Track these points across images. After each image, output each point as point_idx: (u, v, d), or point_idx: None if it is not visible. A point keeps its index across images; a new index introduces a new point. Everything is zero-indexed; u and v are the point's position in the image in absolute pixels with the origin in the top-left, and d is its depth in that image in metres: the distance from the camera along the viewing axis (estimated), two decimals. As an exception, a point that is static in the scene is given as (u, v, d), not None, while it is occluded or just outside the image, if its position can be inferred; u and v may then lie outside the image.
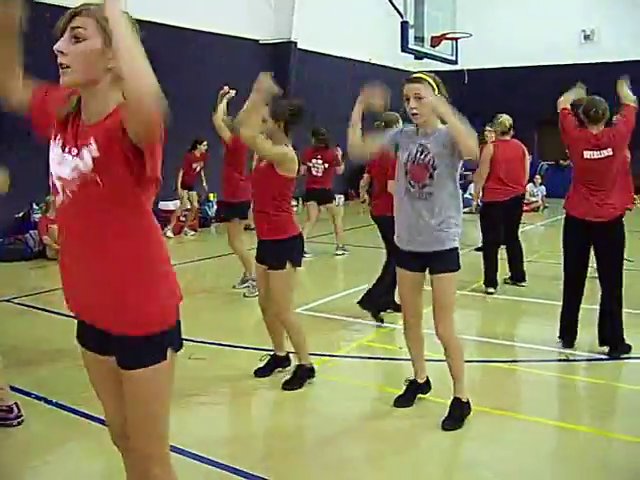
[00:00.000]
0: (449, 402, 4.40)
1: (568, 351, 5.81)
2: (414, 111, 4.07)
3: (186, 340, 5.17)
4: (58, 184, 2.21)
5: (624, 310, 5.78)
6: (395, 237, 4.41)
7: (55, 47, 2.06)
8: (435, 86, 4.09)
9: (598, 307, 5.87)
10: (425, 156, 4.13)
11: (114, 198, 2.13)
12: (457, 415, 4.34)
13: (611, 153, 5.55)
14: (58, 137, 2.22)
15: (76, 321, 2.42)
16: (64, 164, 2.17)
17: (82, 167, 2.11)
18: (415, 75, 4.17)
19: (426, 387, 4.74)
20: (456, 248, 4.26)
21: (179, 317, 2.33)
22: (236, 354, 5.72)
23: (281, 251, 4.86)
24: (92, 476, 3.72)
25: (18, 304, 7.40)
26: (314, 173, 10.52)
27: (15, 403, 4.24)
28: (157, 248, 2.29)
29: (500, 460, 3.95)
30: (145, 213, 2.25)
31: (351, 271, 9.77)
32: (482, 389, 5.13)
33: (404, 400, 4.65)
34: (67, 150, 2.17)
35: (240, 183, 7.70)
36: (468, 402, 4.42)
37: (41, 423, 4.34)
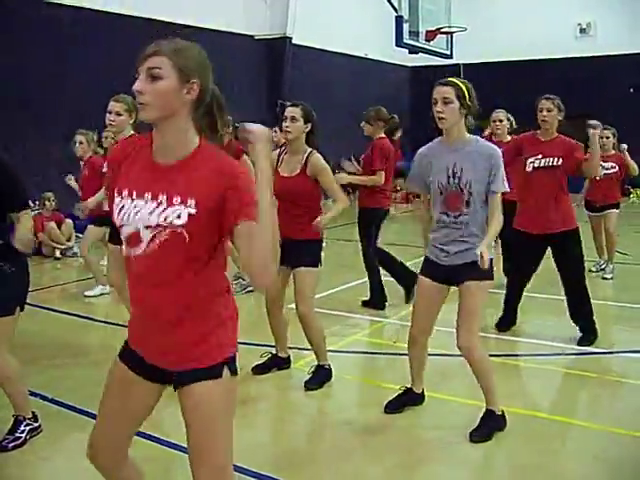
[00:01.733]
0: (442, 397, 4.40)
1: (563, 345, 5.85)
2: (441, 115, 4.00)
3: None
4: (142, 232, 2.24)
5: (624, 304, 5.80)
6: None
7: (134, 87, 2.20)
8: (466, 92, 4.00)
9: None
10: (459, 180, 4.03)
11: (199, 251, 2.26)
12: (486, 427, 4.18)
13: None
14: (123, 187, 2.29)
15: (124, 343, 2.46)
16: (144, 211, 2.23)
17: (173, 219, 2.19)
18: (446, 79, 4.07)
19: (420, 399, 4.62)
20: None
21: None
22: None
23: (316, 250, 4.96)
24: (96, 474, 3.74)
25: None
26: None
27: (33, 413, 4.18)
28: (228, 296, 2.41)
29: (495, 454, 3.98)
30: (223, 264, 2.38)
31: (345, 266, 9.77)
32: (474, 385, 5.14)
33: (394, 407, 4.53)
34: (143, 197, 2.24)
35: None
36: (502, 414, 4.25)
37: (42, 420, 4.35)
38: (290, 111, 4.80)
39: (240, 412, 4.73)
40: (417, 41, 13.20)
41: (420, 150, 4.28)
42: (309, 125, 4.82)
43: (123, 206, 2.26)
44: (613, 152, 8.68)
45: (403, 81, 21.87)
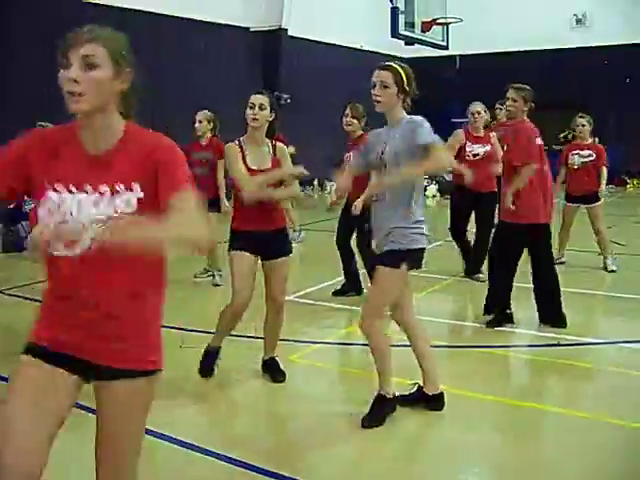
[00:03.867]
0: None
1: (559, 336, 5.85)
2: (377, 98, 4.06)
3: (177, 329, 5.16)
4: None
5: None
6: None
7: (67, 76, 2.06)
8: (405, 77, 4.05)
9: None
10: (382, 157, 4.12)
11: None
12: (378, 412, 4.21)
13: None
14: (55, 182, 2.15)
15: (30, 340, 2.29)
16: (88, 205, 2.12)
17: (124, 207, 2.11)
18: (386, 63, 4.13)
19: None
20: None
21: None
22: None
23: (288, 238, 5.01)
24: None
25: (11, 295, 7.38)
26: None
27: None
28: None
29: (486, 444, 3.98)
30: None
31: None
32: (467, 374, 5.15)
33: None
34: (83, 189, 2.13)
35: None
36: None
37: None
38: (258, 99, 4.63)
39: (238, 404, 4.78)
40: (413, 32, 13.22)
41: (369, 133, 4.45)
42: (273, 114, 4.70)
43: (64, 201, 2.12)
44: (590, 140, 8.66)
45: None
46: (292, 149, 6.82)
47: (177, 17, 14.33)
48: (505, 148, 6.17)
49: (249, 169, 4.59)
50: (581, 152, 8.47)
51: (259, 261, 4.80)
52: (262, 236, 4.68)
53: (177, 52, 14.40)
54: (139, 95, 2.24)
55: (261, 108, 4.60)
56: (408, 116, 4.14)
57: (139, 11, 13.31)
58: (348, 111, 6.81)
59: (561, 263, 8.37)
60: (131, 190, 2.11)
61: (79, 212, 2.10)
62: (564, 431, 4.19)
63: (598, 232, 8.62)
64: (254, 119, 4.61)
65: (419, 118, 4.10)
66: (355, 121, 6.81)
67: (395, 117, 4.13)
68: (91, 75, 2.06)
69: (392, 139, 4.08)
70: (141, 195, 2.11)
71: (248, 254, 4.72)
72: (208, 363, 4.93)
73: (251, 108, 4.60)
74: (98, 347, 2.21)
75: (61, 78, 2.07)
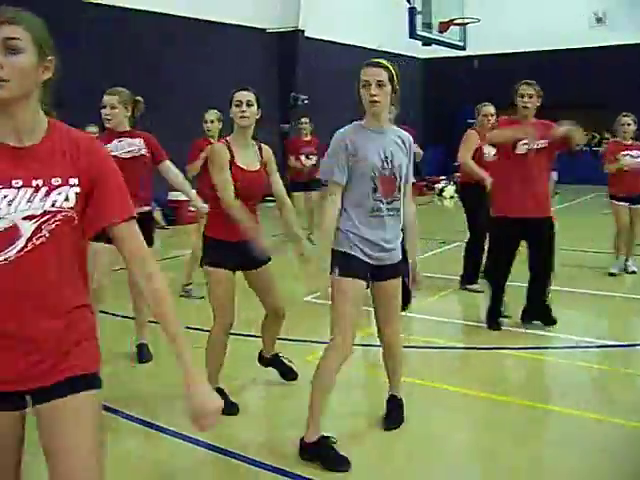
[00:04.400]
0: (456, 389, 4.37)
1: (578, 338, 5.80)
2: (376, 98, 3.68)
3: (196, 330, 5.13)
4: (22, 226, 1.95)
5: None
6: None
7: None
8: (395, 76, 3.74)
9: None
10: (392, 164, 3.81)
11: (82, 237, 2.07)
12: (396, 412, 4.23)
13: None
14: None
15: None
16: (20, 200, 1.95)
17: (62, 202, 1.98)
18: (376, 60, 3.79)
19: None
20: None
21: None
22: (238, 341, 5.69)
23: None
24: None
25: None
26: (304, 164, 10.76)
27: None
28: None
29: (503, 447, 3.95)
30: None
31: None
32: (490, 377, 5.12)
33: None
34: (17, 184, 1.95)
35: None
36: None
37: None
38: (245, 95, 4.29)
39: (253, 404, 4.77)
40: (430, 33, 13.16)
41: (338, 136, 3.81)
42: (260, 112, 4.38)
43: None
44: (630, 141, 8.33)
45: (416, 73, 21.79)
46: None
47: (194, 18, 14.37)
48: (542, 144, 5.81)
49: (240, 169, 4.28)
50: (631, 152, 8.09)
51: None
52: (244, 246, 4.24)
53: (193, 53, 14.44)
54: (57, 87, 2.05)
55: (249, 105, 4.28)
56: (391, 124, 3.98)
57: (156, 13, 13.36)
58: None
59: (633, 272, 8.32)
60: (69, 185, 1.98)
61: (8, 209, 1.92)
62: (576, 433, 4.16)
63: (637, 234, 8.42)
64: (243, 117, 4.28)
65: (409, 135, 3.96)
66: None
67: (384, 119, 3.83)
68: (14, 60, 1.90)
69: (390, 146, 3.81)
70: (79, 190, 1.98)
71: (228, 271, 4.37)
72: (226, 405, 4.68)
73: (237, 106, 4.27)
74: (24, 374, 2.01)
75: None
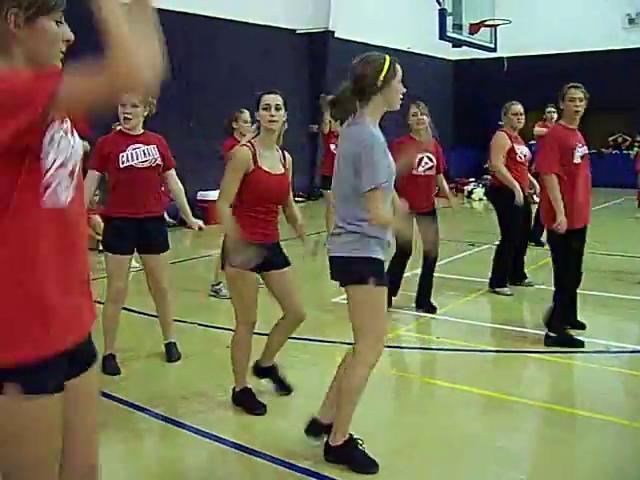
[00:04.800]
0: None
1: (609, 343, 5.75)
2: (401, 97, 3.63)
3: (226, 330, 5.17)
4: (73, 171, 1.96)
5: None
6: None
7: (69, 36, 1.93)
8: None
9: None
10: None
11: None
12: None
13: None
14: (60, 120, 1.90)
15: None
16: (75, 145, 1.99)
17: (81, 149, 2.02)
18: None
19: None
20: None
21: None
22: (263, 341, 5.72)
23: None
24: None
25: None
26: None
27: None
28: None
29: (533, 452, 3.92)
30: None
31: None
32: (517, 380, 5.10)
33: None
34: (70, 131, 1.97)
35: None
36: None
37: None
38: (273, 98, 4.27)
39: (283, 404, 4.78)
40: (461, 34, 13.10)
41: (382, 140, 3.56)
42: (286, 114, 4.38)
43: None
44: None
45: (446, 74, 21.70)
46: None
47: (224, 19, 14.44)
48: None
49: (265, 172, 4.26)
50: None
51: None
52: (266, 248, 4.25)
53: (222, 54, 14.50)
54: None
55: (277, 108, 4.27)
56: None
57: (189, 14, 13.43)
58: (417, 109, 6.52)
59: None
60: None
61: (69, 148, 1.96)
62: (608, 439, 4.12)
63: None
64: (272, 121, 4.26)
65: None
66: (426, 119, 6.59)
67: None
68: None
69: None
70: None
71: (252, 272, 4.30)
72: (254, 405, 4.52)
73: (266, 109, 4.25)
74: None
75: None
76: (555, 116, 9.09)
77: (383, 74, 3.52)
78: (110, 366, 5.11)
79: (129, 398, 4.62)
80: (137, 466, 3.95)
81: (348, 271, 3.59)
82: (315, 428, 3.90)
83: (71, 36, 1.93)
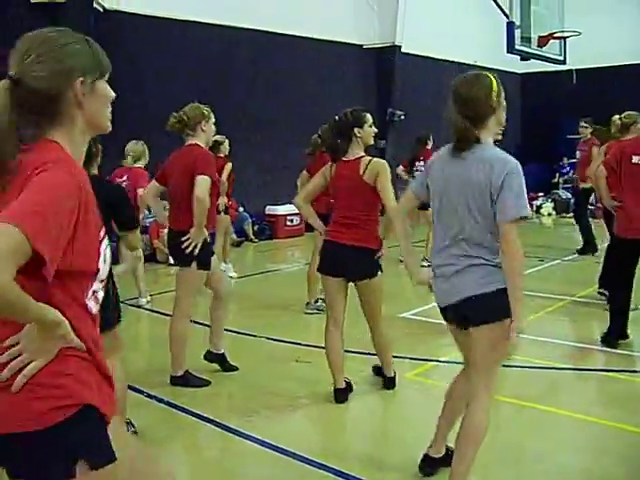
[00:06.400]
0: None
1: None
2: None
3: (294, 344, 5.24)
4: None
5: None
6: None
7: (113, 95, 1.97)
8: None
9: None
10: None
11: None
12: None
13: None
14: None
15: None
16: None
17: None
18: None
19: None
20: None
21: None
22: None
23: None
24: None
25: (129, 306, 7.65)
26: None
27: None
28: None
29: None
30: None
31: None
32: (594, 399, 4.98)
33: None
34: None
35: None
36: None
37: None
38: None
39: (347, 417, 4.78)
40: (529, 47, 12.92)
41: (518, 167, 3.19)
42: None
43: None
44: None
45: (514, 88, 21.44)
46: None
47: (290, 35, 14.58)
48: None
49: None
50: None
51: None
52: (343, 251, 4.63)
53: (290, 69, 14.63)
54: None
55: None
56: None
57: (249, 29, 13.59)
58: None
59: None
60: None
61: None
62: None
63: None
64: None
65: None
66: None
67: None
68: None
69: None
70: None
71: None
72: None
73: (371, 127, 4.73)
74: None
75: None
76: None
77: (495, 93, 3.24)
78: (194, 380, 5.17)
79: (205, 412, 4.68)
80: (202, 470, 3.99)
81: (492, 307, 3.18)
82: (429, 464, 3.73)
83: (114, 95, 1.98)
